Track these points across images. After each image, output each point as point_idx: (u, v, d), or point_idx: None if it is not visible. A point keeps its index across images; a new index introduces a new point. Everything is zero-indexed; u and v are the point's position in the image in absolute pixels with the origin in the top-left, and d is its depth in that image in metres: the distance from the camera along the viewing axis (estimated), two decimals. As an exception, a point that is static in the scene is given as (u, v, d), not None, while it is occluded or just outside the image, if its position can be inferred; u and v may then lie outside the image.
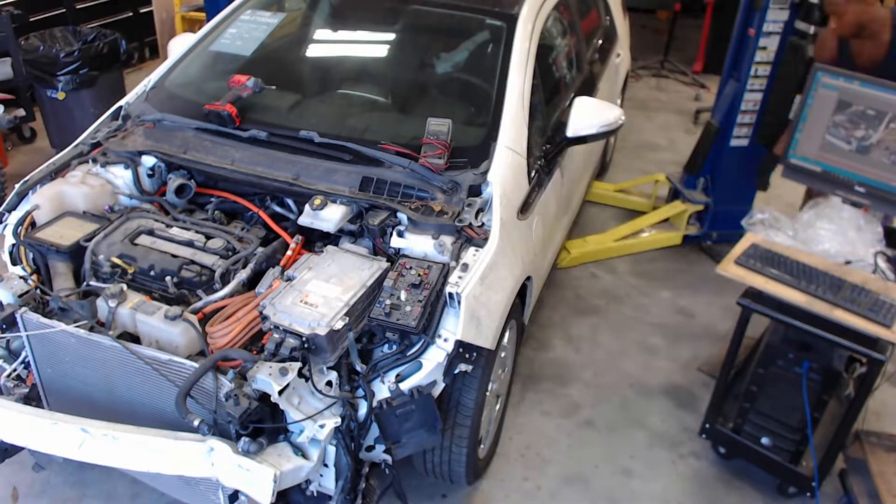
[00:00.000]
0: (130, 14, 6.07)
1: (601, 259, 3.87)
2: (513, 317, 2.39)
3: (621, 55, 4.43)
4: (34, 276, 2.16)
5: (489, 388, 2.31)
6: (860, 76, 2.36)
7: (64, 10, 5.46)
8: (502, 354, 2.44)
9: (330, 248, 2.18)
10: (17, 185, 2.36)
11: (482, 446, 2.50)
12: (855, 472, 2.49)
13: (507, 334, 2.40)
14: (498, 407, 2.63)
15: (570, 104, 2.72)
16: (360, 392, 1.92)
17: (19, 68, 4.36)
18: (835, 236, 2.43)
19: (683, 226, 4.01)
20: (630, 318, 3.47)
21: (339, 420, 1.85)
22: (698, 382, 3.08)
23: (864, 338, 2.14)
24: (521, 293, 2.47)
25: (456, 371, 2.00)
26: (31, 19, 5.01)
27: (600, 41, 4.01)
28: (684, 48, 7.25)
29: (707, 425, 2.62)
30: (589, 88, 3.47)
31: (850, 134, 2.36)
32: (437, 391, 2.00)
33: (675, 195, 4.17)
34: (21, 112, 4.51)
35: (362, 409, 1.92)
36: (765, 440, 2.50)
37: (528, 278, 2.52)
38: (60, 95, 4.23)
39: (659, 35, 7.40)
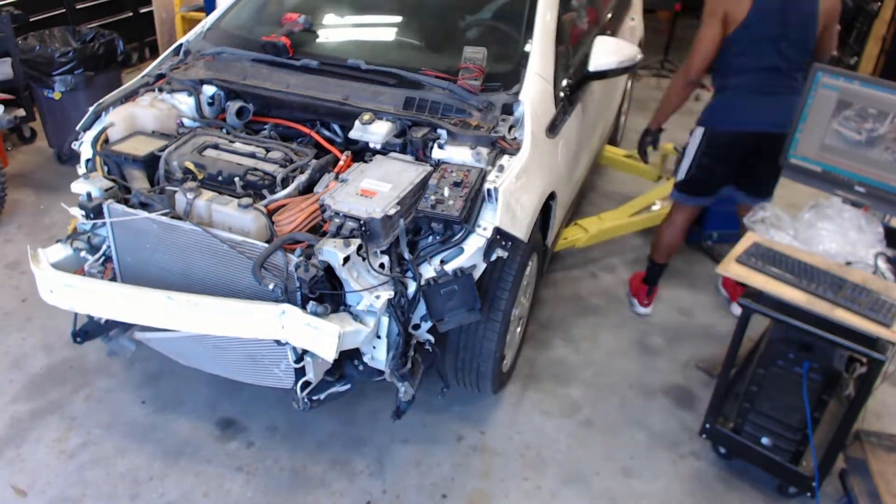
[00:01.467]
0: (130, 14, 6.06)
1: (617, 235, 3.87)
2: (535, 249, 2.71)
3: (635, 20, 4.68)
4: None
5: (513, 311, 2.59)
6: (860, 76, 2.36)
7: (64, 11, 5.46)
8: (525, 283, 2.70)
9: (378, 156, 2.42)
10: (91, 108, 2.62)
11: (506, 361, 2.78)
12: (855, 472, 2.48)
13: (529, 266, 2.66)
14: (519, 330, 2.92)
15: (592, 43, 2.99)
16: (410, 274, 2.15)
17: (19, 68, 4.36)
18: (836, 237, 2.43)
19: None
20: (629, 318, 3.47)
21: (393, 294, 2.09)
22: (698, 382, 3.08)
23: (863, 337, 2.14)
24: (546, 215, 2.77)
25: (493, 257, 2.24)
26: (32, 19, 5.00)
27: (616, 3, 4.23)
28: (684, 48, 7.25)
29: (707, 425, 2.62)
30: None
31: (860, 126, 2.35)
32: (477, 273, 2.23)
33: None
34: (21, 112, 4.50)
35: (411, 288, 2.15)
36: (765, 440, 2.50)
37: (553, 197, 2.77)
38: (56, 95, 4.23)
39: (659, 35, 7.39)
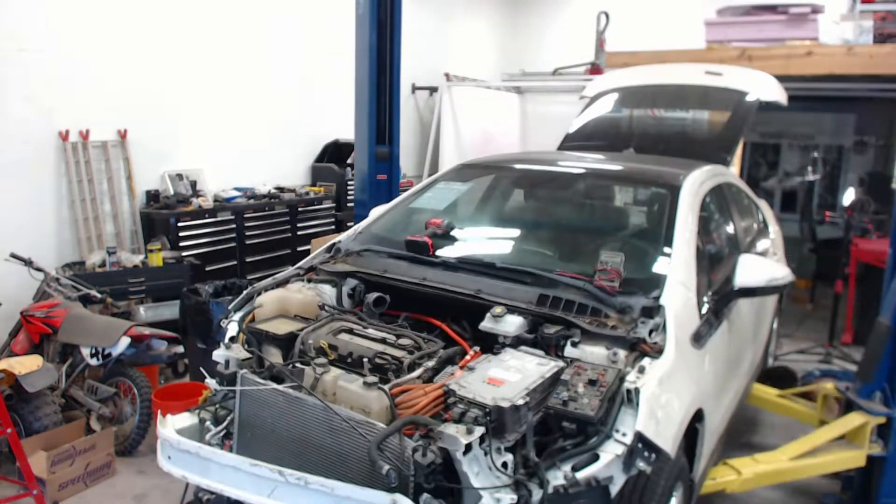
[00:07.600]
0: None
1: (778, 483, 3.31)
2: (680, 477, 2.40)
3: (777, 255, 4.52)
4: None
5: None
6: None
7: (235, 263, 6.21)
8: None
9: (508, 349, 2.34)
10: (245, 290, 2.91)
11: None
12: None
13: (674, 500, 2.37)
14: None
15: (736, 262, 2.90)
16: (535, 479, 1.92)
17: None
18: None
19: (866, 444, 3.31)
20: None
21: (516, 499, 1.87)
22: None
23: None
24: (691, 441, 2.48)
25: (634, 470, 1.97)
26: (207, 269, 5.72)
27: (756, 237, 4.17)
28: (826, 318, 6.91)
29: None
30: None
31: None
32: (613, 489, 1.96)
33: (848, 406, 3.53)
34: (180, 349, 4.93)
35: (536, 496, 1.89)
36: None
37: (700, 418, 2.49)
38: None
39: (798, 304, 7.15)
